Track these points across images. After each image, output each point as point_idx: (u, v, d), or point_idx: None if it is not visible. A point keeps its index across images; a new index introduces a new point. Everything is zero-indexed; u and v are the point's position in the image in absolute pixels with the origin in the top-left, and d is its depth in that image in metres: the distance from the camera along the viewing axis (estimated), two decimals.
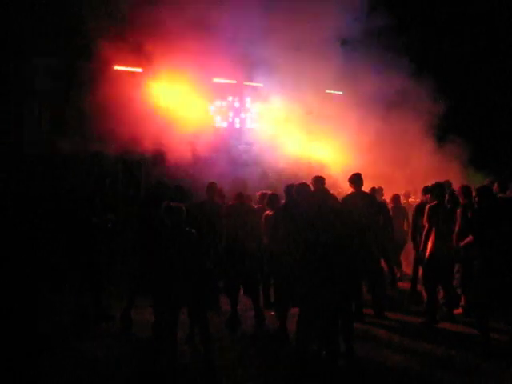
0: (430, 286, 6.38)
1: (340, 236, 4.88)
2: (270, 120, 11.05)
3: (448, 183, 8.03)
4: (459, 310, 6.56)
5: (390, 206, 8.48)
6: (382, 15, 10.42)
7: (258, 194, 7.23)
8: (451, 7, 12.96)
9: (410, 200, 9.58)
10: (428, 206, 6.62)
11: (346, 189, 8.34)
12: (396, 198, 9.02)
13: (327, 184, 6.71)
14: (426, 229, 6.50)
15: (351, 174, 6.89)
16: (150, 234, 5.63)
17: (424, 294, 6.55)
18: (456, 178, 9.72)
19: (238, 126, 11.75)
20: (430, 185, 7.14)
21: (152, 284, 5.22)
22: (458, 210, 6.10)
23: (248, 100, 11.50)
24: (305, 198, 5.49)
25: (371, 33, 10.68)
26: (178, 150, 9.43)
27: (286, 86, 10.28)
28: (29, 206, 7.95)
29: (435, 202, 6.51)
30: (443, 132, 11.81)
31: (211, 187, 7.06)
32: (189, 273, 4.86)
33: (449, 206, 6.45)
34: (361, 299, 6.48)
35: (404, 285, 8.36)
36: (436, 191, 6.58)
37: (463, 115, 12.36)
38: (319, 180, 6.63)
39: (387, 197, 9.08)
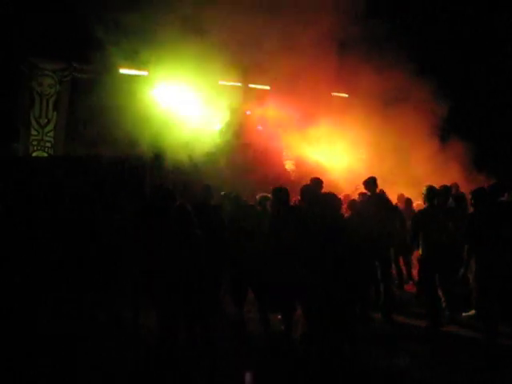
0: (427, 289, 6.39)
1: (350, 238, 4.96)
2: (273, 122, 11.07)
3: (456, 186, 8.03)
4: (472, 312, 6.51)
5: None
6: (383, 18, 10.49)
7: (257, 196, 7.21)
8: (452, 6, 12.94)
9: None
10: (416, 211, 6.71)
11: (349, 191, 8.42)
12: (407, 200, 8.88)
13: (330, 187, 6.77)
14: (410, 234, 6.59)
15: (367, 177, 6.99)
16: (150, 235, 5.60)
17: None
18: (459, 180, 9.79)
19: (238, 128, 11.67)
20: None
21: (154, 285, 5.21)
22: None
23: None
24: (312, 201, 5.54)
25: (373, 34, 10.71)
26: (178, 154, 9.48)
27: (291, 89, 10.30)
28: (31, 207, 7.93)
29: (423, 207, 6.60)
30: (446, 133, 11.83)
31: (206, 189, 7.08)
32: (192, 274, 4.87)
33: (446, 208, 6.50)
34: (367, 301, 6.50)
35: (412, 288, 8.36)
36: (424, 195, 6.55)
37: (465, 116, 12.35)
38: (318, 182, 6.66)
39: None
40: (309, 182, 6.65)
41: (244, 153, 10.82)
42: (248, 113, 11.27)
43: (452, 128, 11.83)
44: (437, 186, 7.02)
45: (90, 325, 6.19)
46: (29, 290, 6.32)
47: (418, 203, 8.57)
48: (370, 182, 6.91)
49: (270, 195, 6.49)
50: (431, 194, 6.48)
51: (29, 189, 8.26)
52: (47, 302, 6.44)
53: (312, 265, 4.90)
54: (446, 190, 6.94)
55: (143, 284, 5.84)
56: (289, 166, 11.30)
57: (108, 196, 7.92)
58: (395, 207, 7.54)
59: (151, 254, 5.21)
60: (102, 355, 5.36)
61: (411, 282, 8.51)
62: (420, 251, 6.50)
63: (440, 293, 6.45)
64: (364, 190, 7.25)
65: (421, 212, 6.67)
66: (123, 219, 6.99)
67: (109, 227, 6.69)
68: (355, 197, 7.39)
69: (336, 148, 11.21)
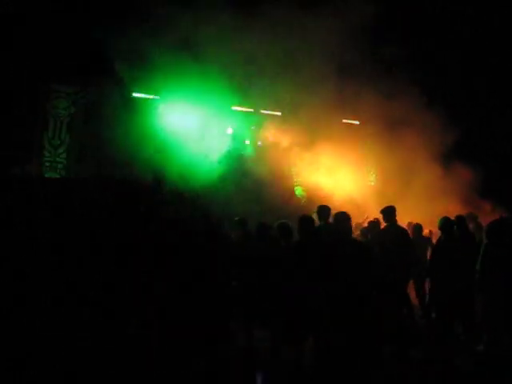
0: (442, 322, 6.24)
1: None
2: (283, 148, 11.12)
3: (474, 216, 7.96)
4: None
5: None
6: (393, 46, 10.63)
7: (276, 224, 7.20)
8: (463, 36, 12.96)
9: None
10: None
11: (359, 220, 8.45)
12: (417, 227, 8.27)
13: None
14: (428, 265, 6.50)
15: (385, 205, 6.77)
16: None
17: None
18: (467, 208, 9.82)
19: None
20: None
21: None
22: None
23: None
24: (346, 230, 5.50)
25: (382, 63, 10.86)
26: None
27: (301, 115, 10.40)
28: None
29: (441, 239, 6.46)
30: (454, 161, 11.85)
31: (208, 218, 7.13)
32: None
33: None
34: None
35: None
36: (442, 227, 6.42)
37: (473, 144, 12.36)
38: (326, 210, 6.61)
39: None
40: (316, 209, 6.65)
41: (248, 179, 10.79)
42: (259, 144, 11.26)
43: (459, 155, 11.83)
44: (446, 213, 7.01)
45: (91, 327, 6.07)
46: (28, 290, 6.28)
47: (426, 232, 8.49)
48: (389, 212, 6.64)
49: (285, 221, 6.52)
50: (449, 225, 6.36)
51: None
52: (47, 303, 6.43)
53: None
54: (459, 220, 6.83)
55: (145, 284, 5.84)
56: (299, 191, 11.33)
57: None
58: (411, 240, 7.15)
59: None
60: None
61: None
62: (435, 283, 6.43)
63: (455, 324, 6.34)
64: (372, 218, 7.25)
65: (439, 245, 6.49)
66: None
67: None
68: (365, 225, 7.38)
69: (344, 174, 11.24)
